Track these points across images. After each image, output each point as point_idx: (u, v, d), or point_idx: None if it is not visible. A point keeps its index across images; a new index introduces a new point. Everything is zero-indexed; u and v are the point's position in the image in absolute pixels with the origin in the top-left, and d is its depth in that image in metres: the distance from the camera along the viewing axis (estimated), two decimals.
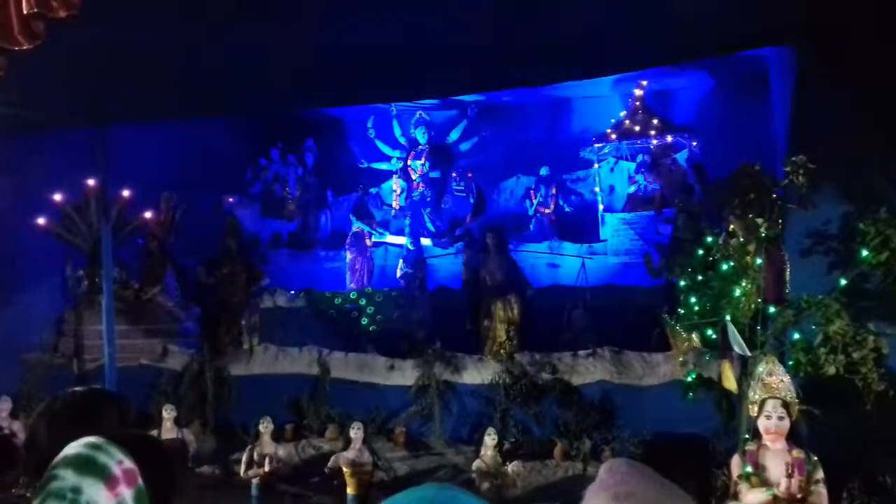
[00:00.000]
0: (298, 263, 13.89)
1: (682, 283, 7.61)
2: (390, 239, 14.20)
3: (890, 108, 6.99)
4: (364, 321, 11.88)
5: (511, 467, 8.69)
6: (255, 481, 8.54)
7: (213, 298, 11.16)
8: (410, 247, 13.33)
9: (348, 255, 13.65)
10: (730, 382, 6.90)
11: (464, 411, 10.03)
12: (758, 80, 10.49)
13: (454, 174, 14.25)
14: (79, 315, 10.86)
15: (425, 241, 13.59)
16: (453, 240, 13.63)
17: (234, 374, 10.55)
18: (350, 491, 8.46)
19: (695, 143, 12.78)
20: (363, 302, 12.03)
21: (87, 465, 1.50)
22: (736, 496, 4.55)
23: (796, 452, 4.42)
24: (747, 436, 5.07)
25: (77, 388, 2.30)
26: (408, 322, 11.38)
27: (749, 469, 4.48)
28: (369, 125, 14.21)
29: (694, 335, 7.18)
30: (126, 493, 1.51)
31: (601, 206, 13.48)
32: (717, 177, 9.23)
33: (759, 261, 6.80)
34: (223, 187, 13.67)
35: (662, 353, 9.26)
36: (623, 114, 13.02)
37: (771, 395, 4.53)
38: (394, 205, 14.45)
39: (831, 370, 6.57)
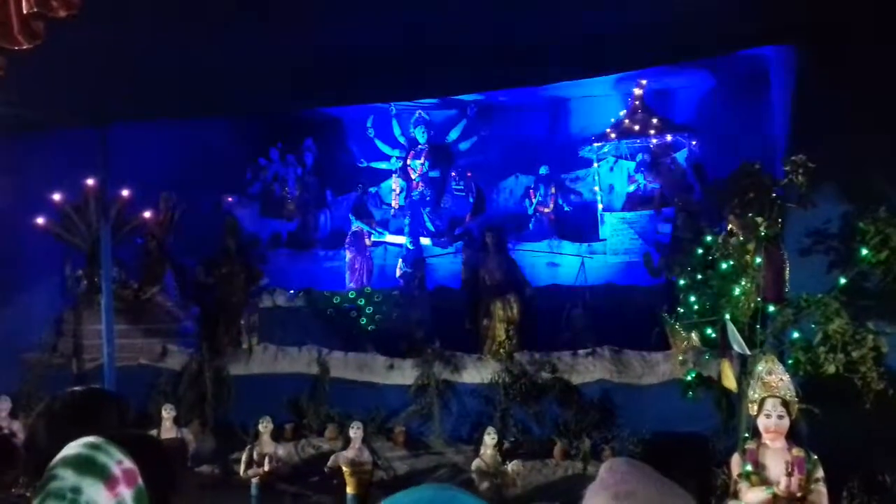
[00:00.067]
0: (298, 263, 13.89)
1: (682, 282, 7.61)
2: (390, 238, 14.20)
3: (890, 107, 6.98)
4: (363, 321, 11.87)
5: (511, 466, 8.69)
6: (254, 481, 8.54)
7: (212, 298, 11.15)
8: (410, 246, 13.34)
9: (348, 255, 13.64)
10: (729, 381, 6.90)
11: (463, 411, 10.03)
12: (758, 80, 10.50)
13: (453, 173, 14.24)
14: (78, 315, 10.86)
15: (425, 241, 13.59)
16: (453, 239, 13.63)
17: (233, 373, 10.54)
18: (350, 490, 8.46)
19: (694, 143, 12.78)
20: (362, 301, 12.03)
21: (86, 465, 1.50)
22: (736, 495, 4.55)
23: (796, 451, 4.42)
24: (747, 434, 5.07)
25: (76, 388, 2.30)
26: (407, 321, 11.38)
27: (749, 468, 4.48)
28: (369, 125, 14.21)
29: (693, 334, 7.18)
30: (126, 492, 1.51)
31: (601, 206, 13.48)
32: (716, 176, 9.24)
33: (758, 260, 6.80)
34: (222, 187, 13.66)
35: (662, 352, 9.26)
36: (623, 113, 13.01)
37: (770, 393, 4.53)
38: (393, 204, 14.44)
39: (831, 369, 6.57)
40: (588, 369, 9.85)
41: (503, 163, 14.33)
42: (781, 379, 4.61)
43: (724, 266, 7.02)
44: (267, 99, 9.45)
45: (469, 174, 14.12)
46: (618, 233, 13.09)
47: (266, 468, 8.55)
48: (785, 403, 4.51)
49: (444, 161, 14.14)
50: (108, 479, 1.50)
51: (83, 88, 7.42)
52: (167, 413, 8.63)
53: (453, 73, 8.47)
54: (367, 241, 13.79)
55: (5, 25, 3.35)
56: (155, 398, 9.84)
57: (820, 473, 4.39)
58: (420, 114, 14.10)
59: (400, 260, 13.11)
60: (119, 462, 1.53)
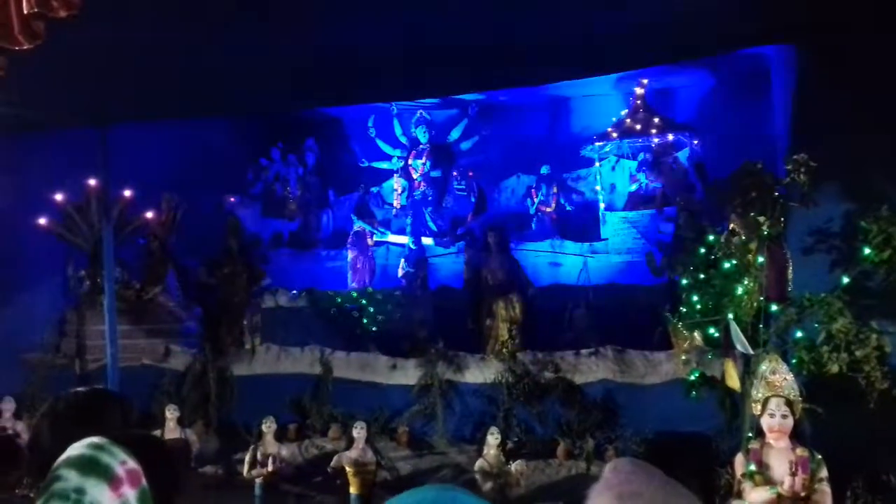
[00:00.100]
0: (300, 263, 13.90)
1: (685, 281, 7.60)
2: (392, 238, 14.21)
3: (891, 106, 6.98)
4: (366, 321, 11.87)
5: (514, 466, 8.67)
6: (258, 481, 8.53)
7: (214, 298, 11.17)
8: (412, 246, 13.35)
9: (350, 255, 13.65)
10: (733, 381, 6.88)
11: (466, 410, 10.03)
12: (759, 79, 10.48)
13: (455, 173, 14.26)
14: (80, 315, 10.88)
15: (427, 241, 13.60)
16: (455, 239, 13.63)
17: (236, 373, 10.55)
18: (353, 490, 8.45)
19: (696, 142, 12.78)
20: (365, 301, 12.03)
21: (90, 466, 1.50)
22: (740, 495, 4.55)
23: (800, 451, 4.41)
24: (751, 434, 5.06)
25: (80, 389, 2.31)
26: (410, 321, 11.38)
27: (753, 467, 4.47)
28: (370, 124, 14.22)
29: (696, 334, 7.17)
30: (129, 493, 1.51)
31: (602, 205, 13.49)
32: (718, 175, 9.23)
33: (761, 259, 6.79)
34: (224, 187, 13.67)
35: (665, 351, 9.25)
36: (624, 112, 13.01)
37: (774, 393, 4.52)
38: (395, 204, 14.46)
39: (834, 368, 6.56)
40: (591, 369, 9.85)
41: (505, 162, 14.34)
42: (785, 378, 4.60)
43: (726, 265, 7.01)
44: (268, 99, 9.45)
45: (471, 174, 14.13)
46: (620, 232, 13.09)
47: (269, 468, 8.54)
48: (788, 403, 4.50)
49: (445, 161, 14.15)
50: (111, 480, 1.50)
51: (83, 88, 7.42)
52: (170, 413, 8.63)
53: (454, 73, 8.46)
54: (370, 241, 13.80)
55: (6, 26, 3.34)
56: (158, 398, 9.85)
57: (824, 473, 4.38)
58: (421, 113, 14.11)
59: (402, 260, 13.12)
60: (123, 462, 1.53)
